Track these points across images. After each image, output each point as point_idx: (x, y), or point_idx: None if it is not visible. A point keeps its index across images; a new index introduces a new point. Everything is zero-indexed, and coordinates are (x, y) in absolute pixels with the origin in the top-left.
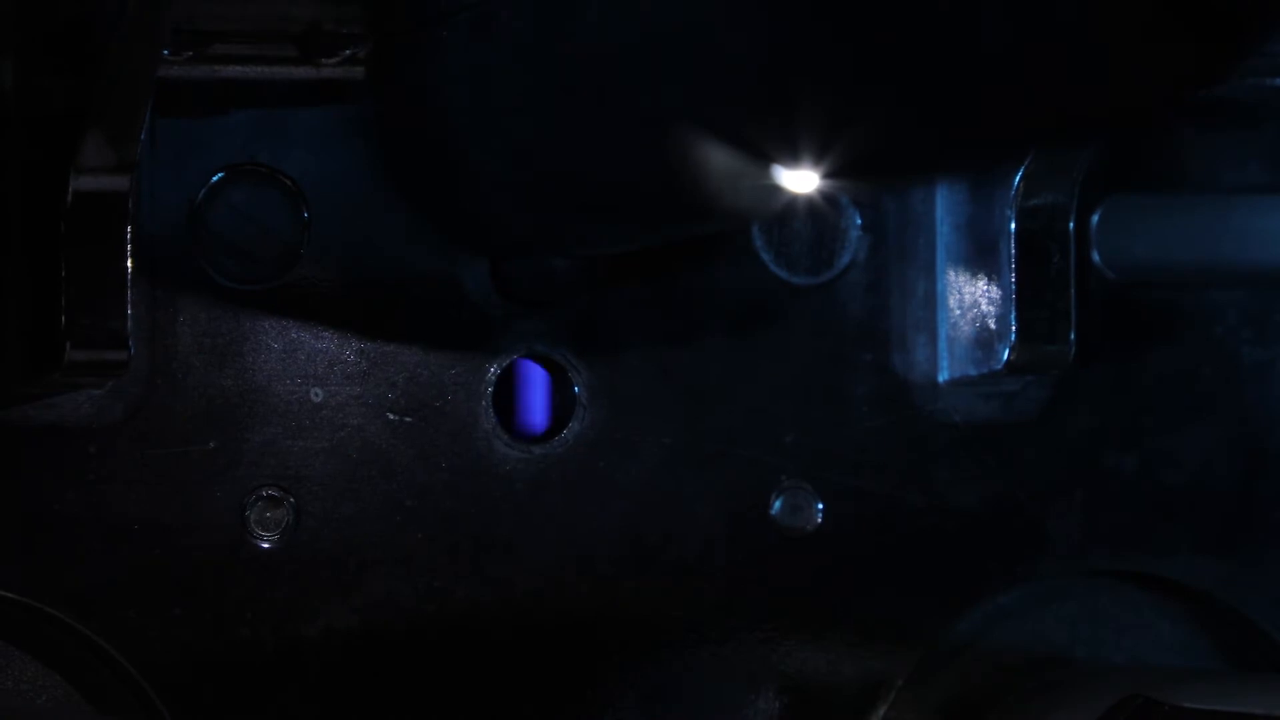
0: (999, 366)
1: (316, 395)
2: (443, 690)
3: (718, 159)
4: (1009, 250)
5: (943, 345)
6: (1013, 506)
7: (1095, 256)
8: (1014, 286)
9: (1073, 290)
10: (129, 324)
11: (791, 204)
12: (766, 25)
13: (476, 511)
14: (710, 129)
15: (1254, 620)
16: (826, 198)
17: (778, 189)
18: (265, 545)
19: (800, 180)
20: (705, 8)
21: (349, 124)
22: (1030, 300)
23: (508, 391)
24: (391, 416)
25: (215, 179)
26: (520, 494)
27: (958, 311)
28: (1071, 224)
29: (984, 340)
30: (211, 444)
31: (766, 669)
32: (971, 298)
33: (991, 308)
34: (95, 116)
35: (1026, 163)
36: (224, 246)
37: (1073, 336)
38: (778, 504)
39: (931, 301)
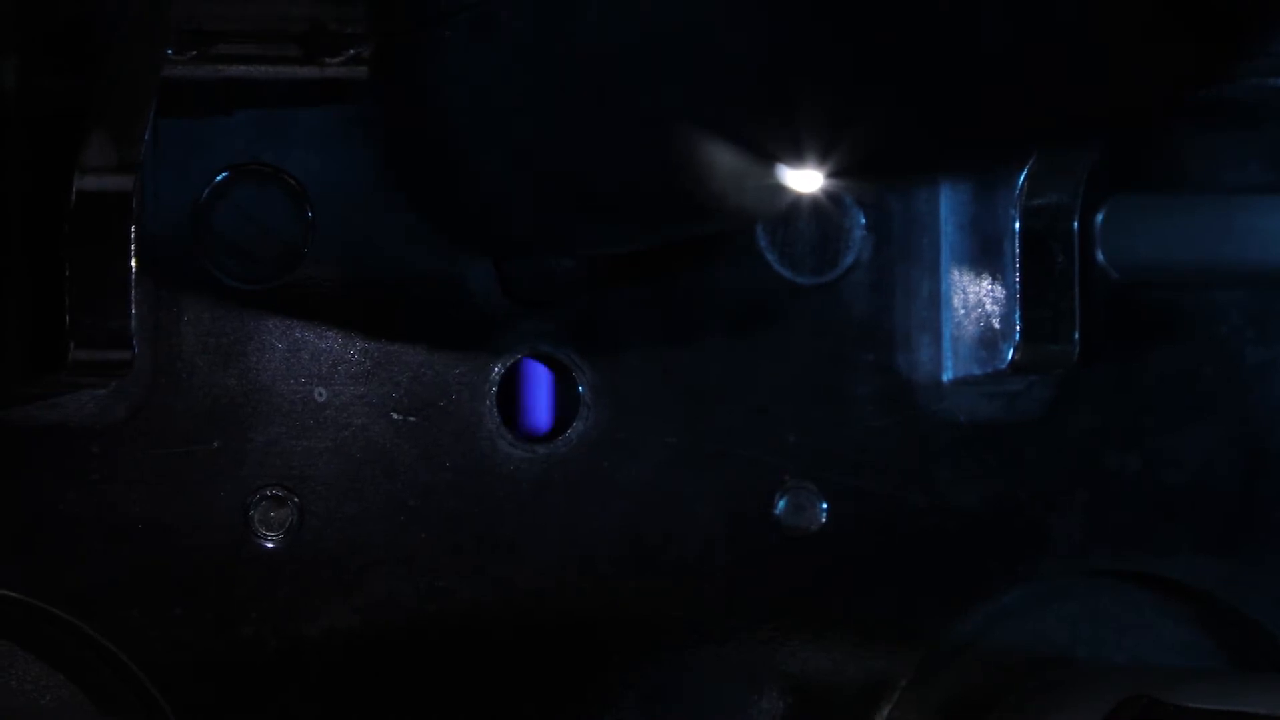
0: (1003, 366)
1: (320, 395)
2: (444, 690)
3: (721, 159)
4: (1013, 250)
5: (947, 345)
6: (1015, 506)
7: (1099, 256)
8: (1018, 286)
9: (1076, 290)
10: (132, 324)
11: (795, 204)
12: (767, 25)
13: (480, 511)
14: (712, 129)
15: (1256, 620)
16: (830, 197)
17: (781, 189)
18: (269, 545)
19: (804, 180)
20: (705, 8)
21: (352, 124)
22: (1034, 300)
23: (511, 391)
24: (395, 416)
25: (219, 179)
26: (524, 494)
27: (962, 311)
28: (1075, 224)
29: (988, 340)
30: (215, 444)
31: (769, 669)
32: (976, 297)
33: (995, 307)
34: (98, 116)
35: (1030, 162)
36: (227, 246)
37: (1076, 336)
38: (781, 504)
39: (935, 301)
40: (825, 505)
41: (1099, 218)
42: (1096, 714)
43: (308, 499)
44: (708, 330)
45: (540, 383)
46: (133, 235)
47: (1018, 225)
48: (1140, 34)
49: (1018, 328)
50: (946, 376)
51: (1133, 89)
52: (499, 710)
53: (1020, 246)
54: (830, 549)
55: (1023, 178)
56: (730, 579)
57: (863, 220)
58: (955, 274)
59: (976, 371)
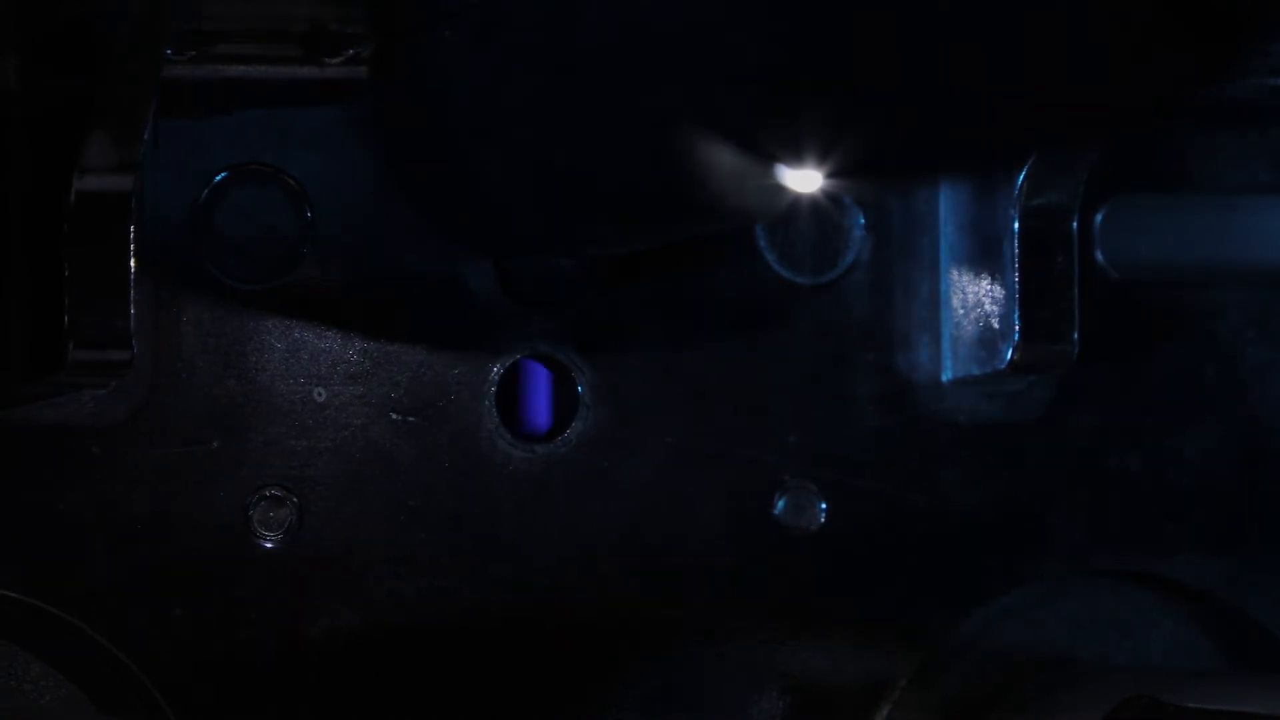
0: (1002, 366)
1: (320, 395)
2: (444, 689)
3: (721, 159)
4: (1012, 250)
5: (946, 345)
6: (1015, 506)
7: (1099, 256)
8: (1017, 286)
9: (1076, 290)
10: (132, 324)
11: (795, 204)
12: (769, 26)
13: (479, 511)
14: (713, 129)
15: (1255, 620)
16: (830, 197)
17: (781, 189)
18: (268, 545)
19: (804, 180)
20: (708, 8)
21: (352, 124)
22: (1034, 300)
23: (511, 391)
24: (395, 416)
25: (219, 179)
26: (523, 494)
27: (961, 311)
28: (1075, 224)
29: (988, 340)
30: (215, 444)
31: (769, 669)
32: (975, 297)
33: (995, 307)
34: (98, 116)
35: (1030, 163)
36: (227, 246)
37: (1076, 336)
38: (781, 504)
39: (935, 301)
40: (825, 505)
41: (1099, 218)
42: (1096, 714)
43: (307, 499)
44: (708, 330)
45: (540, 383)
46: (132, 235)
47: (1017, 225)
48: (1140, 34)
49: (1017, 328)
50: (946, 376)
51: (1133, 89)
52: (499, 710)
53: (1020, 247)
54: (830, 549)
55: (1022, 178)
56: (730, 579)
57: (862, 220)
58: (955, 274)
59: (976, 372)
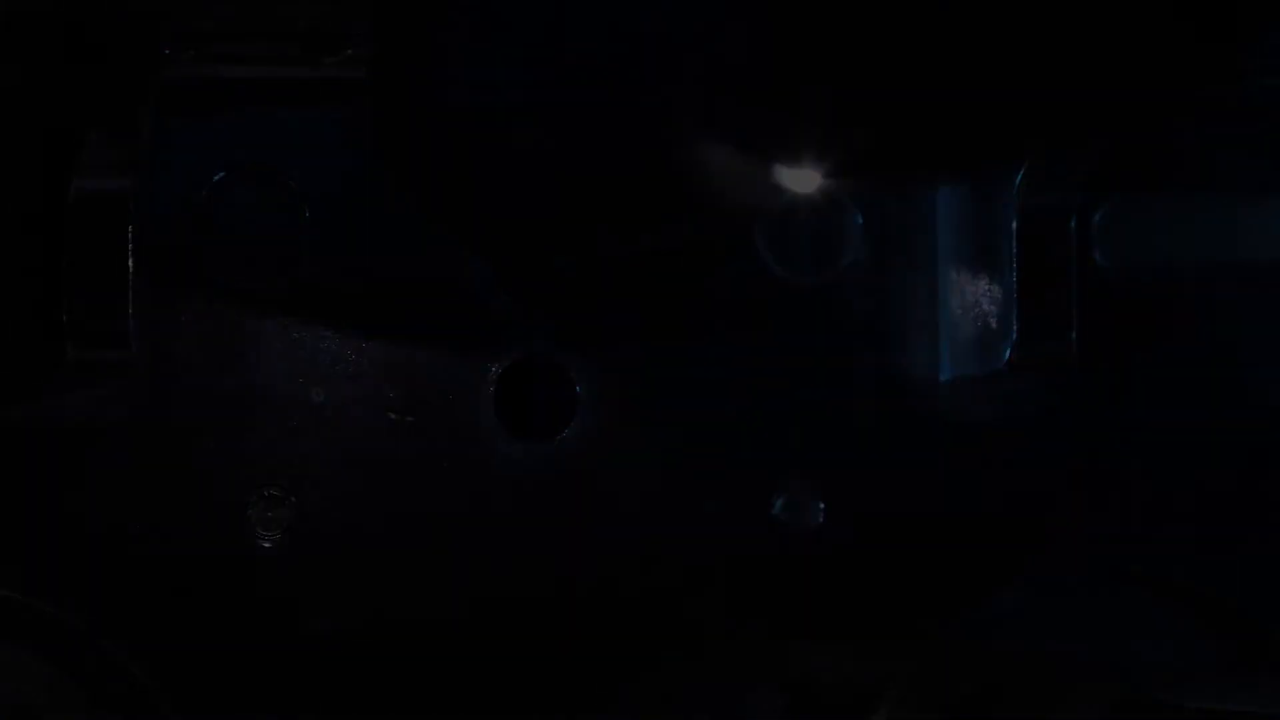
0: (1000, 365)
1: (318, 395)
2: (443, 689)
3: (720, 159)
4: (1010, 250)
5: (944, 344)
6: (1014, 505)
7: (1097, 256)
8: (1015, 286)
9: (1074, 290)
10: (130, 323)
11: (793, 204)
12: (769, 27)
13: (478, 511)
14: (712, 129)
15: (1255, 620)
16: (828, 198)
17: (780, 189)
18: (266, 544)
19: (802, 180)
20: (708, 10)
21: (350, 123)
22: (1031, 299)
23: (509, 391)
24: (392, 416)
25: (218, 178)
26: (523, 494)
27: (959, 311)
28: (1073, 223)
29: (985, 339)
30: (213, 444)
31: (769, 669)
32: (973, 297)
33: (993, 307)
34: (98, 116)
35: (1028, 163)
36: (227, 246)
37: (1074, 335)
38: (779, 503)
39: (933, 301)
40: (823, 505)
41: (1097, 217)
42: (1096, 714)
43: (305, 499)
44: (707, 330)
45: (538, 382)
46: (131, 235)
47: (1015, 225)
48: (1142, 34)
49: (1015, 327)
50: (944, 376)
51: (1135, 89)
52: (499, 709)
53: (1018, 246)
54: (830, 549)
55: (1021, 178)
56: (730, 578)
57: (860, 221)
58: (953, 274)
59: (974, 371)
